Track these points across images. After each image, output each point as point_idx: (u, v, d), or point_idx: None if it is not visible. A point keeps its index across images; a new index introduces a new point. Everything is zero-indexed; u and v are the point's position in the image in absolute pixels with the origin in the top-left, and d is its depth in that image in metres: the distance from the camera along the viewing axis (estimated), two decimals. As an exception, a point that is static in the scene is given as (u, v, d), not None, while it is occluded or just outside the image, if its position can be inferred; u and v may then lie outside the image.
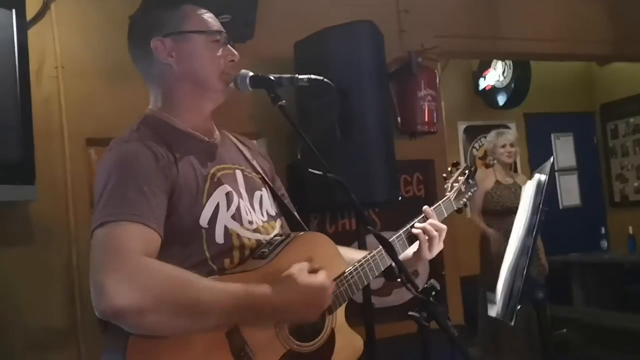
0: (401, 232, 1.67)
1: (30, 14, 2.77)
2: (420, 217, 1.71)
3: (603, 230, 6.50)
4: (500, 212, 4.37)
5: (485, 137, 6.50)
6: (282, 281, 1.35)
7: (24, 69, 2.63)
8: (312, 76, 1.54)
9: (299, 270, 1.38)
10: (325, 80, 1.56)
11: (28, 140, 2.64)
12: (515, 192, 4.30)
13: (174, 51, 1.45)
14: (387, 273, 1.67)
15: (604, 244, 6.37)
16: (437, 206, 1.77)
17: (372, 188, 2.87)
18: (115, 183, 1.29)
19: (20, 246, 2.82)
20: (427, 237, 1.67)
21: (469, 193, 1.85)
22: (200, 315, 1.24)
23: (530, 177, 1.81)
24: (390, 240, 1.60)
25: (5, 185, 2.54)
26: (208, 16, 1.50)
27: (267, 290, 1.32)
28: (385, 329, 3.26)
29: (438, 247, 1.70)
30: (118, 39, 2.94)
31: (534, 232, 1.54)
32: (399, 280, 1.71)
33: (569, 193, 6.87)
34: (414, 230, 1.68)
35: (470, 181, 1.84)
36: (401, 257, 1.68)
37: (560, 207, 6.79)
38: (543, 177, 1.58)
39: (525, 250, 1.52)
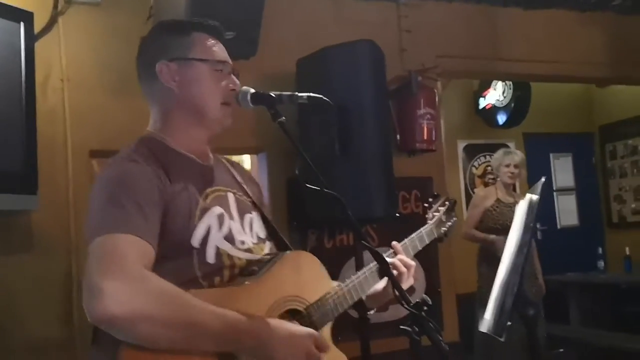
0: (371, 265, 1.66)
1: (38, 26, 2.83)
2: (389, 252, 1.72)
3: (600, 250, 6.52)
4: (499, 230, 4.39)
5: (485, 156, 6.57)
6: (274, 323, 1.36)
7: (30, 80, 2.69)
8: (312, 94, 1.58)
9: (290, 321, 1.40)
10: (324, 98, 1.60)
11: (31, 150, 2.68)
12: (514, 212, 4.33)
13: (177, 76, 1.48)
14: (357, 306, 1.68)
15: (601, 264, 6.39)
16: (411, 239, 1.80)
17: (371, 204, 2.90)
18: (112, 198, 1.32)
19: (21, 255, 2.85)
20: (396, 273, 1.67)
21: (449, 223, 1.91)
22: (192, 334, 1.25)
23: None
24: (360, 273, 1.62)
25: (8, 194, 2.59)
26: (216, 46, 1.53)
27: (256, 325, 1.32)
28: (380, 344, 3.27)
29: (407, 282, 1.70)
30: (123, 53, 3.03)
31: (526, 250, 1.57)
32: (368, 314, 1.77)
33: (567, 213, 6.90)
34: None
35: (452, 212, 1.92)
36: (370, 291, 1.68)
37: (558, 227, 6.82)
38: (535, 197, 1.62)
39: (517, 268, 1.55)
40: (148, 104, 1.55)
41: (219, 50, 1.53)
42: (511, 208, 4.43)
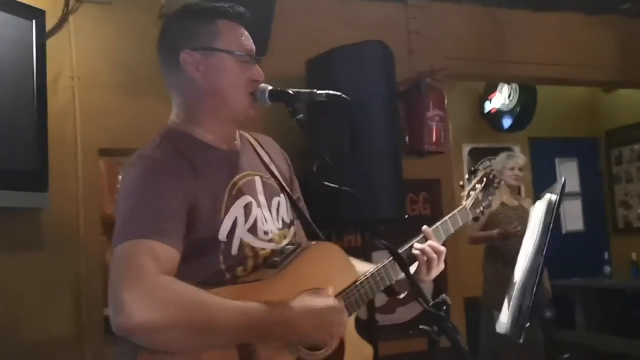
0: (399, 252, 1.63)
1: (49, 24, 2.83)
2: (419, 237, 1.70)
3: (606, 255, 6.51)
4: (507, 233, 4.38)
5: (489, 160, 6.55)
6: (296, 303, 1.36)
7: (41, 78, 2.69)
8: (331, 92, 1.57)
9: (312, 295, 1.40)
10: (343, 96, 1.59)
11: (42, 148, 2.69)
12: (521, 215, 4.31)
13: (202, 66, 1.45)
14: (387, 289, 1.68)
15: (607, 269, 6.38)
16: (444, 222, 1.76)
17: (379, 205, 2.89)
18: (137, 200, 1.32)
19: (30, 252, 2.85)
20: (425, 259, 1.65)
21: (486, 202, 1.81)
22: (213, 334, 1.26)
23: (534, 200, 1.81)
24: (388, 260, 1.61)
25: (19, 191, 2.59)
26: (242, 35, 1.50)
27: (280, 312, 1.33)
28: (389, 346, 3.26)
29: (437, 269, 1.67)
30: (134, 52, 3.05)
31: (544, 252, 1.56)
32: (399, 297, 1.74)
33: (573, 218, 6.88)
34: (413, 251, 1.67)
35: (490, 189, 1.81)
36: (399, 277, 1.66)
37: (564, 232, 6.80)
38: (554, 197, 1.61)
39: (535, 269, 1.55)
40: (169, 91, 1.51)
41: (245, 39, 1.50)
42: (516, 211, 4.42)
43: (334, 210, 2.85)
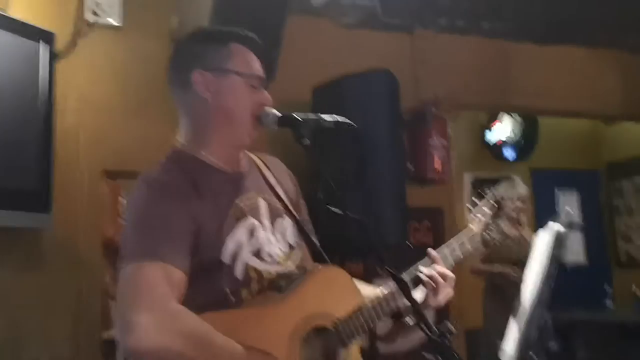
0: (405, 275, 1.61)
1: (58, 47, 2.86)
2: (425, 261, 1.65)
3: (608, 289, 6.45)
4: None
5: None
6: None
7: (48, 100, 2.71)
8: (339, 119, 1.58)
9: None
10: (350, 123, 1.60)
11: (47, 169, 2.70)
12: (521, 245, 4.29)
13: (212, 86, 1.47)
14: (394, 315, 1.66)
15: (609, 303, 6.32)
16: (451, 246, 1.70)
17: (383, 232, 2.88)
18: (145, 222, 1.34)
19: (31, 272, 2.84)
20: (433, 285, 1.61)
21: (497, 226, 1.75)
22: None
23: (535, 230, 1.78)
24: (392, 285, 1.57)
25: (22, 212, 2.59)
26: (253, 59, 1.53)
27: None
28: (389, 376, 3.23)
29: (445, 294, 1.62)
30: (141, 76, 3.08)
31: (552, 282, 1.55)
32: (406, 321, 1.71)
33: (574, 250, 6.85)
34: (420, 276, 1.63)
35: (500, 213, 1.75)
36: (406, 301, 1.61)
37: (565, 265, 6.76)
38: (562, 228, 1.60)
39: (542, 299, 1.53)
40: (178, 110, 1.53)
41: (255, 64, 1.53)
42: (516, 242, 4.38)
43: (337, 236, 2.85)
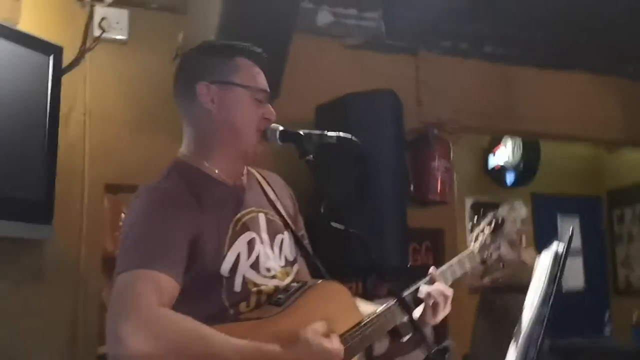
0: (405, 294, 1.64)
1: (66, 60, 2.89)
2: (426, 279, 1.69)
3: (607, 316, 6.42)
4: (500, 288, 4.34)
5: (491, 211, 6.53)
6: (296, 342, 1.35)
7: (54, 112, 2.74)
8: (341, 135, 1.60)
9: (313, 332, 1.37)
10: (353, 139, 1.61)
11: (50, 180, 2.71)
12: (521, 269, 4.28)
13: (217, 98, 1.48)
14: (391, 331, 1.66)
15: (608, 330, 6.28)
16: (450, 265, 1.74)
17: (384, 252, 2.89)
18: (141, 230, 1.34)
19: (31, 284, 2.83)
20: (432, 302, 1.64)
21: (494, 245, 1.79)
22: None
23: (538, 254, 1.80)
24: (391, 302, 1.59)
25: (24, 222, 2.59)
26: (258, 73, 1.54)
27: (279, 350, 1.32)
28: (386, 398, 3.20)
29: (443, 312, 1.66)
30: (146, 91, 3.11)
31: (551, 302, 1.56)
32: (402, 340, 1.71)
33: (573, 276, 6.83)
34: (419, 295, 1.66)
35: (499, 232, 1.79)
36: (405, 319, 1.64)
37: (564, 290, 6.73)
38: (561, 248, 1.61)
39: (541, 319, 1.54)
40: (183, 122, 1.54)
41: (260, 77, 1.54)
42: (519, 265, 4.38)
43: (338, 255, 2.85)
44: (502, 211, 4.54)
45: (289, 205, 1.68)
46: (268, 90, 1.56)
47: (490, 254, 1.78)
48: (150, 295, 1.24)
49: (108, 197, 3.32)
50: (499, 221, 1.81)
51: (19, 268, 2.80)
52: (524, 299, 4.31)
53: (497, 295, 4.24)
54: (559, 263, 1.58)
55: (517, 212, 4.47)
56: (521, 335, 1.49)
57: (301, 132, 1.54)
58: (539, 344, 1.45)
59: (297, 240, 1.63)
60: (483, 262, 1.75)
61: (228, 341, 1.27)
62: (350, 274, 3.43)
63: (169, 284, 1.29)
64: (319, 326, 1.40)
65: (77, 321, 2.94)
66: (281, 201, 1.65)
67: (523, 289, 4.48)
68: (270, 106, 1.55)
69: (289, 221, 1.63)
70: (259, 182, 1.64)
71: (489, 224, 1.80)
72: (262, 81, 1.54)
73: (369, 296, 3.08)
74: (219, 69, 1.51)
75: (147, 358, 1.19)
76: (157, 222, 1.34)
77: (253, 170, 1.65)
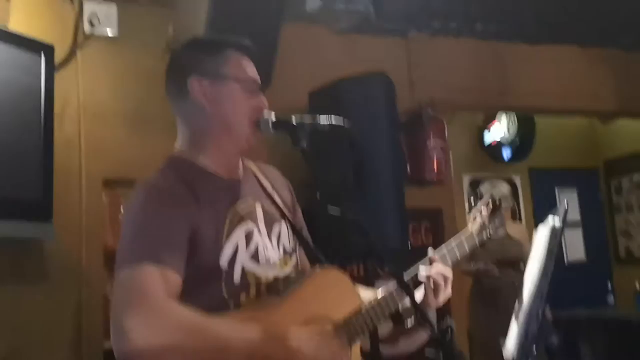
0: (405, 275, 1.65)
1: (57, 59, 2.89)
2: (424, 262, 1.69)
3: (609, 285, 6.48)
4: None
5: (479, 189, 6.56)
6: (297, 337, 1.36)
7: (49, 110, 2.74)
8: (334, 122, 1.61)
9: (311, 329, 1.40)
10: (345, 126, 1.62)
11: (48, 179, 2.72)
12: (504, 245, 4.31)
13: (209, 92, 1.49)
14: (394, 316, 1.68)
15: (611, 299, 6.34)
16: (449, 246, 1.74)
17: (384, 236, 2.90)
18: (141, 226, 1.35)
19: (33, 283, 2.85)
20: (432, 285, 1.64)
21: (494, 226, 1.77)
22: (219, 356, 1.27)
23: (535, 228, 1.81)
24: (391, 285, 1.60)
25: (23, 222, 2.61)
26: (248, 65, 1.55)
27: (283, 345, 1.33)
28: (392, 377, 3.24)
29: (445, 293, 1.66)
30: (140, 86, 3.11)
31: (550, 275, 1.58)
32: (406, 324, 1.73)
33: (574, 248, 6.87)
34: (419, 277, 1.66)
35: (497, 214, 1.77)
36: (406, 302, 1.64)
37: (566, 263, 6.78)
38: (557, 222, 1.63)
39: (541, 293, 1.56)
40: (176, 118, 1.56)
41: (250, 69, 1.55)
42: (499, 242, 4.37)
43: (338, 241, 2.87)
44: (484, 189, 4.57)
45: (287, 196, 1.70)
46: (259, 81, 1.56)
47: (490, 234, 1.77)
48: (155, 290, 1.25)
49: (107, 192, 3.33)
50: (497, 202, 1.79)
51: (20, 267, 2.81)
52: (513, 274, 4.39)
53: (485, 277, 4.30)
54: (556, 236, 1.59)
55: (498, 189, 4.50)
56: (522, 310, 1.51)
57: (293, 122, 1.54)
58: (540, 317, 1.47)
59: (295, 231, 1.65)
60: (482, 243, 1.74)
61: (235, 330, 1.29)
62: (351, 258, 3.46)
63: (172, 278, 1.30)
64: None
65: (82, 318, 2.95)
66: (278, 193, 1.66)
67: (511, 263, 4.56)
68: (262, 96, 1.56)
69: (286, 212, 1.64)
70: (255, 175, 1.65)
71: (486, 204, 1.78)
72: (252, 72, 1.55)
73: (370, 279, 3.11)
74: (209, 63, 1.51)
75: (152, 351, 1.20)
76: (157, 217, 1.36)
77: (249, 163, 1.66)
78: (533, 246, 1.78)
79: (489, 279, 4.27)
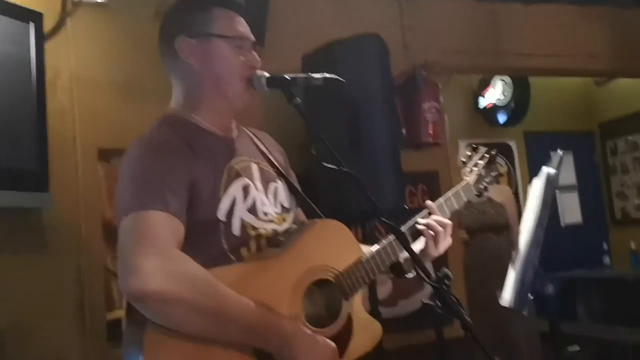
0: (403, 228, 1.65)
1: (47, 27, 2.85)
2: (423, 213, 1.70)
3: (605, 246, 6.54)
4: (472, 230, 4.44)
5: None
6: (300, 330, 1.37)
7: (40, 80, 2.72)
8: (327, 75, 1.60)
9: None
10: (339, 79, 1.62)
11: (43, 148, 2.71)
12: (482, 211, 4.34)
13: (197, 52, 1.50)
14: (395, 269, 1.69)
15: (607, 260, 6.41)
16: (447, 197, 1.74)
17: (380, 196, 2.90)
18: (139, 176, 1.35)
19: (33, 253, 2.85)
20: (432, 233, 1.65)
21: (490, 178, 1.78)
22: (217, 321, 1.27)
23: (530, 183, 1.82)
24: (391, 237, 1.61)
25: (21, 192, 2.60)
26: (237, 21, 1.54)
27: (280, 323, 1.34)
28: (392, 339, 3.27)
29: (445, 242, 1.67)
30: (131, 53, 3.08)
31: (545, 224, 1.59)
32: (407, 276, 1.74)
33: (570, 211, 6.91)
34: (418, 227, 1.67)
35: (492, 166, 1.79)
36: (406, 254, 1.65)
37: (562, 225, 6.83)
38: (552, 171, 1.64)
39: (536, 242, 1.57)
40: (170, 79, 1.56)
41: (239, 25, 1.54)
42: (478, 208, 4.38)
43: (335, 201, 2.88)
44: (463, 155, 4.57)
45: (281, 160, 1.71)
46: (251, 37, 1.55)
47: (486, 185, 1.78)
48: (167, 236, 1.26)
49: (102, 164, 3.32)
50: (493, 153, 1.80)
51: (19, 238, 2.81)
52: (496, 239, 4.44)
53: (471, 239, 4.33)
54: (551, 185, 1.60)
55: (480, 153, 4.50)
56: (518, 259, 1.53)
57: (287, 77, 1.54)
58: (535, 265, 1.49)
59: (292, 188, 1.65)
60: (480, 194, 1.74)
61: (239, 301, 1.30)
62: (350, 219, 3.47)
63: (176, 225, 1.31)
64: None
65: (83, 287, 2.95)
66: (273, 155, 1.67)
67: (494, 227, 4.62)
68: (254, 53, 1.55)
69: (282, 171, 1.65)
70: (250, 137, 1.66)
71: (482, 157, 1.80)
72: (242, 29, 1.54)
73: (370, 240, 3.13)
74: (196, 22, 1.51)
75: (162, 295, 1.19)
76: (157, 166, 1.36)
77: (244, 128, 1.67)
78: (528, 198, 1.79)
79: (472, 240, 4.35)
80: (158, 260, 1.21)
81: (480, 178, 1.79)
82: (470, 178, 1.77)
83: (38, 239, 2.87)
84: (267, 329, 1.31)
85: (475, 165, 1.80)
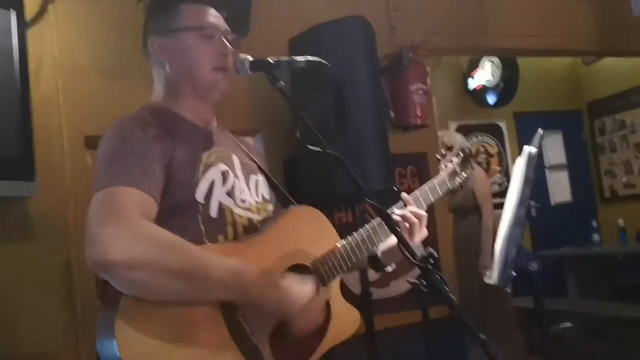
0: (379, 219, 1.62)
1: (28, 15, 2.82)
2: (397, 204, 1.70)
3: (595, 224, 6.60)
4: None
5: (477, 136, 6.60)
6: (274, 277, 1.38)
7: (24, 68, 2.68)
8: (310, 58, 1.60)
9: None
10: (322, 61, 1.62)
11: (28, 137, 2.68)
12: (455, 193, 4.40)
13: (166, 49, 1.53)
14: (375, 264, 1.71)
15: (596, 237, 6.47)
16: (422, 189, 1.75)
17: (368, 177, 2.91)
18: (114, 153, 1.35)
19: (19, 242, 2.83)
20: (407, 225, 1.65)
21: (464, 174, 1.81)
22: (188, 280, 1.25)
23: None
24: (368, 225, 1.61)
25: (6, 181, 2.59)
26: (203, 13, 1.55)
27: (258, 276, 1.33)
28: (384, 319, 3.30)
29: (420, 234, 1.66)
30: (114, 39, 3.05)
31: (527, 203, 1.60)
32: (386, 269, 1.75)
33: (560, 189, 6.96)
34: (394, 217, 1.66)
35: (467, 163, 1.81)
36: (384, 246, 1.68)
37: (552, 204, 6.87)
38: (533, 150, 1.65)
39: (519, 220, 1.58)
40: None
41: (208, 16, 1.55)
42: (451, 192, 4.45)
43: (323, 184, 2.88)
44: (444, 138, 4.59)
45: (261, 162, 1.71)
46: (221, 26, 1.55)
47: (462, 182, 1.81)
48: (129, 205, 1.25)
49: (90, 153, 3.30)
50: (467, 150, 1.83)
51: (5, 227, 2.79)
52: (466, 222, 4.50)
53: (455, 224, 4.44)
54: (532, 164, 1.61)
55: (454, 139, 4.52)
56: (501, 237, 1.54)
57: (270, 60, 1.54)
58: (518, 242, 1.50)
59: (272, 183, 1.66)
60: (454, 190, 1.78)
61: (208, 255, 1.29)
62: (339, 202, 3.48)
63: (146, 200, 1.30)
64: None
65: (73, 278, 2.94)
66: (253, 155, 1.68)
67: (470, 211, 4.72)
68: (225, 40, 1.54)
69: (262, 167, 1.66)
70: (231, 136, 1.68)
71: (457, 154, 1.82)
72: (209, 19, 1.54)
73: (360, 222, 3.14)
74: (162, 21, 1.54)
75: (126, 262, 1.18)
76: (133, 145, 1.36)
77: (224, 128, 1.68)
78: (511, 177, 1.80)
79: (456, 225, 4.42)
80: (118, 228, 1.20)
81: (454, 174, 1.80)
82: (444, 173, 1.80)
83: (24, 228, 2.84)
84: (242, 283, 1.30)
85: (450, 161, 1.82)
